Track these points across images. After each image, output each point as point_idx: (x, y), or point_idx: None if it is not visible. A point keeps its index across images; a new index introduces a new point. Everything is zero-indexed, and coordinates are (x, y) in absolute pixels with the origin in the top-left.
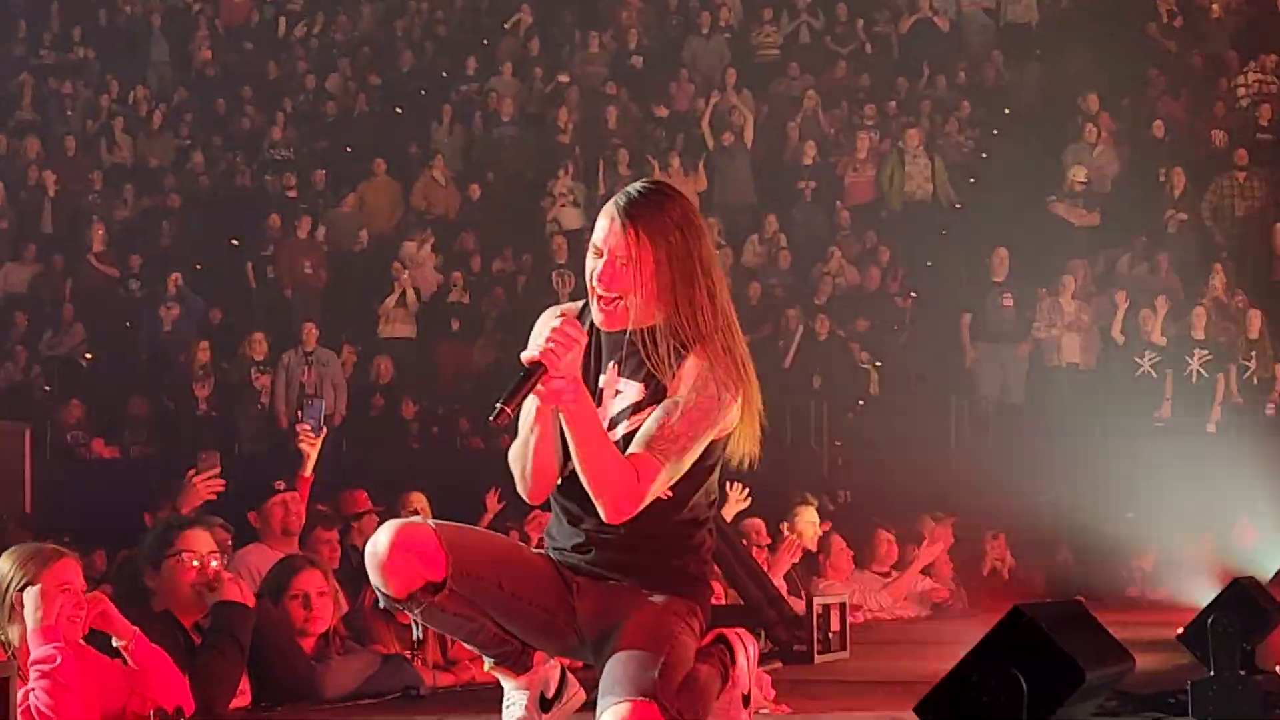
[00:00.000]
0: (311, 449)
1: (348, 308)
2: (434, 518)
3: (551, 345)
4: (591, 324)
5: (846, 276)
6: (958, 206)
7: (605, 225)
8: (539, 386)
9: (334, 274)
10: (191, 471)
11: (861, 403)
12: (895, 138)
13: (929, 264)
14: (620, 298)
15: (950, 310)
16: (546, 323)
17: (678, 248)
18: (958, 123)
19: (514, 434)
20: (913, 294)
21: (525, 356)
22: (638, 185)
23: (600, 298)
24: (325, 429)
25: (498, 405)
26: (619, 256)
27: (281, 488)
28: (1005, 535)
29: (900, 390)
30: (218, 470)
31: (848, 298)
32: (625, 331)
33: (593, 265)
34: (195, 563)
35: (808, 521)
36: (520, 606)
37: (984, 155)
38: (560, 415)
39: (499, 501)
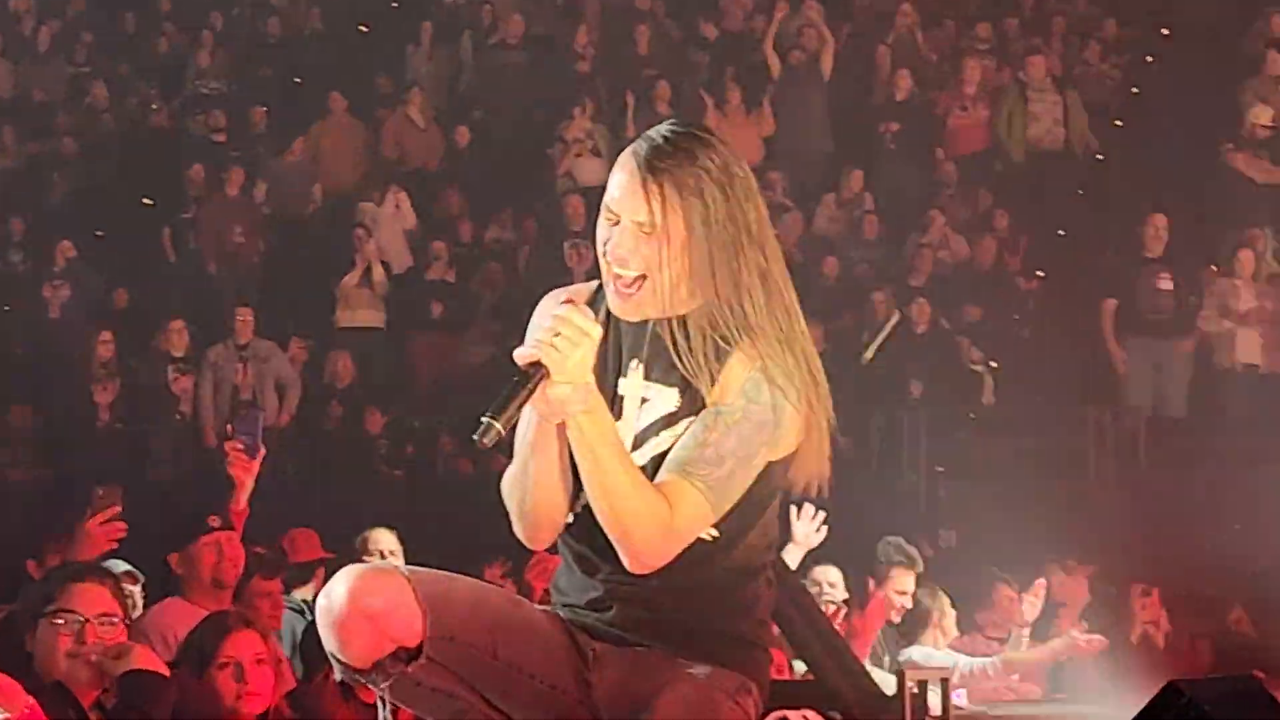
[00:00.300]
0: (246, 475)
1: (295, 288)
2: (408, 563)
3: (554, 340)
4: (608, 312)
5: (952, 249)
6: (1099, 158)
7: (621, 181)
8: (538, 395)
9: (277, 244)
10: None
11: (972, 415)
12: (1016, 66)
13: (1060, 234)
14: (643, 277)
15: (1089, 295)
16: (548, 310)
17: (717, 210)
18: (1099, 47)
19: (510, 455)
20: (1039, 273)
21: (521, 355)
22: (663, 128)
23: (617, 277)
24: (264, 448)
25: (485, 419)
26: (639, 223)
27: (216, 525)
28: (1159, 590)
29: (1022, 399)
30: (118, 510)
31: (953, 277)
32: (650, 322)
33: (606, 234)
34: (72, 628)
35: (900, 591)
36: (519, 680)
37: (1134, 90)
38: (568, 432)
39: (504, 578)
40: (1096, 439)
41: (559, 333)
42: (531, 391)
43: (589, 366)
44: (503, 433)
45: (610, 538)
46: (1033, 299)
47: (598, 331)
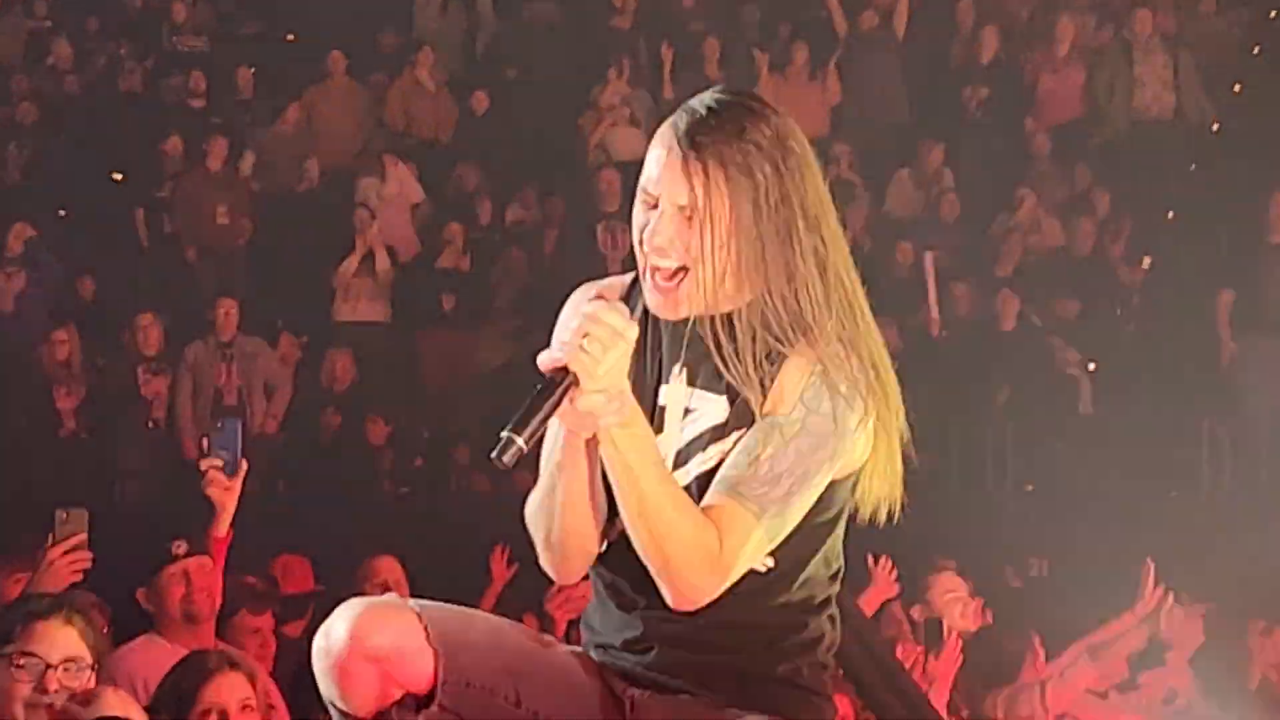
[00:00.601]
0: (227, 496)
1: (286, 276)
2: (415, 595)
3: (583, 342)
4: (646, 309)
5: (1044, 234)
6: (1215, 129)
7: (659, 159)
8: (566, 405)
9: (265, 226)
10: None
11: (1067, 425)
12: (1119, 23)
13: (1170, 215)
14: (684, 269)
15: (1203, 286)
16: (577, 308)
17: (769, 191)
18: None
19: (535, 472)
20: (1146, 261)
21: (545, 360)
22: (707, 97)
23: (655, 269)
24: (246, 463)
25: (505, 434)
26: (680, 207)
27: (181, 551)
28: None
29: (1125, 407)
30: (84, 537)
31: (1046, 266)
32: (692, 321)
33: (644, 220)
34: (32, 673)
35: (950, 590)
36: None
37: (1255, 49)
38: (601, 449)
39: (509, 564)
40: (1210, 452)
41: (588, 334)
42: (558, 402)
43: (624, 372)
44: (525, 449)
45: (650, 569)
46: (1137, 291)
47: (633, 332)
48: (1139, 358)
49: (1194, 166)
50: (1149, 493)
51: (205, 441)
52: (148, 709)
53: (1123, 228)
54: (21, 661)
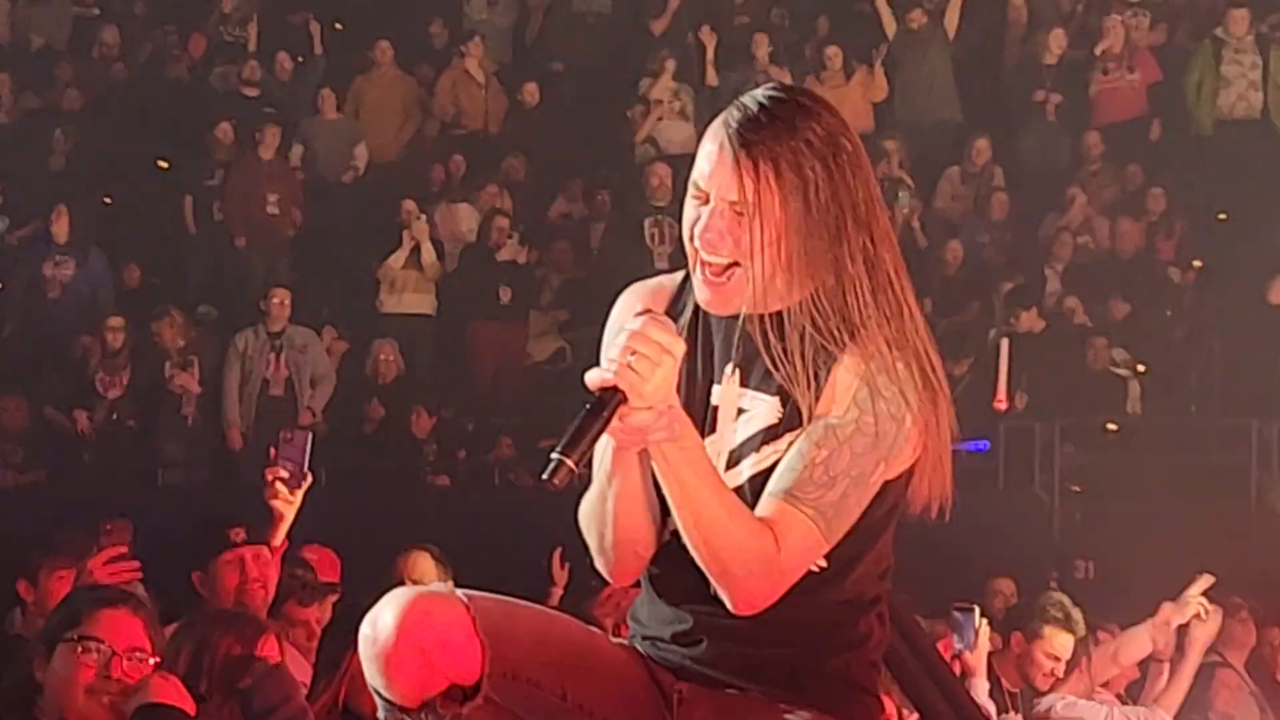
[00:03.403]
0: (288, 507)
1: (333, 267)
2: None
3: (631, 360)
4: (697, 309)
5: (1095, 234)
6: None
7: (711, 154)
8: (615, 424)
9: (313, 215)
10: (97, 553)
11: (1115, 427)
12: (1174, 24)
13: (1221, 217)
14: (735, 265)
15: (1254, 287)
16: (626, 310)
17: (821, 189)
18: None
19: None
20: (1197, 263)
21: (593, 379)
22: (760, 93)
23: (705, 265)
24: (311, 476)
25: (555, 456)
26: (731, 203)
27: (240, 538)
28: None
29: (1175, 409)
30: (125, 549)
31: (1096, 266)
32: (743, 320)
33: (694, 215)
34: (98, 659)
35: (1051, 655)
36: None
37: None
38: (653, 461)
39: (563, 565)
40: (1260, 456)
41: (635, 351)
42: (608, 421)
43: (672, 387)
44: (576, 470)
45: (709, 577)
46: (1188, 293)
47: (680, 348)
48: (1189, 360)
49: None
50: (1198, 494)
51: (273, 451)
52: (201, 694)
53: (1174, 228)
54: (86, 647)
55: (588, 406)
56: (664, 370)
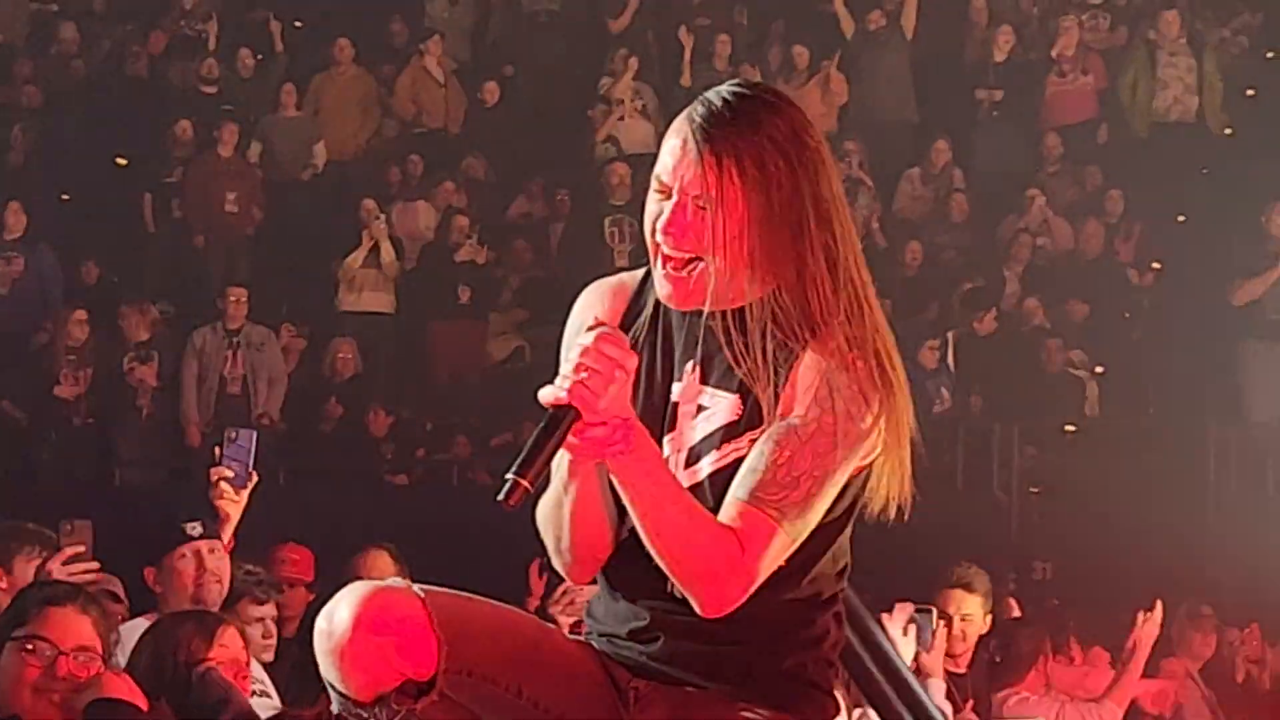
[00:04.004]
0: (234, 508)
1: (292, 264)
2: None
3: (583, 376)
4: (658, 304)
5: (1053, 236)
6: (1227, 133)
7: (674, 149)
8: (570, 440)
9: (272, 213)
10: (57, 554)
11: (1073, 428)
12: (1134, 26)
13: (1180, 219)
14: (697, 260)
15: (1212, 291)
16: (585, 318)
17: (782, 186)
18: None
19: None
20: (1155, 265)
21: (546, 396)
22: (724, 89)
23: (667, 259)
24: (256, 476)
25: (510, 477)
26: (694, 197)
27: (196, 532)
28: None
29: (1132, 411)
30: (85, 547)
31: (1054, 268)
32: (704, 317)
33: (656, 209)
34: (43, 658)
35: (966, 614)
36: None
37: (1269, 55)
38: (611, 473)
39: (541, 575)
40: (1217, 458)
41: (587, 367)
42: (562, 438)
43: (626, 401)
44: (531, 490)
45: (675, 583)
46: (1147, 295)
47: (632, 361)
48: (1146, 362)
49: (1205, 170)
50: (1155, 496)
51: (218, 451)
52: (152, 692)
53: (1133, 230)
54: (32, 646)
55: (541, 425)
56: (616, 385)
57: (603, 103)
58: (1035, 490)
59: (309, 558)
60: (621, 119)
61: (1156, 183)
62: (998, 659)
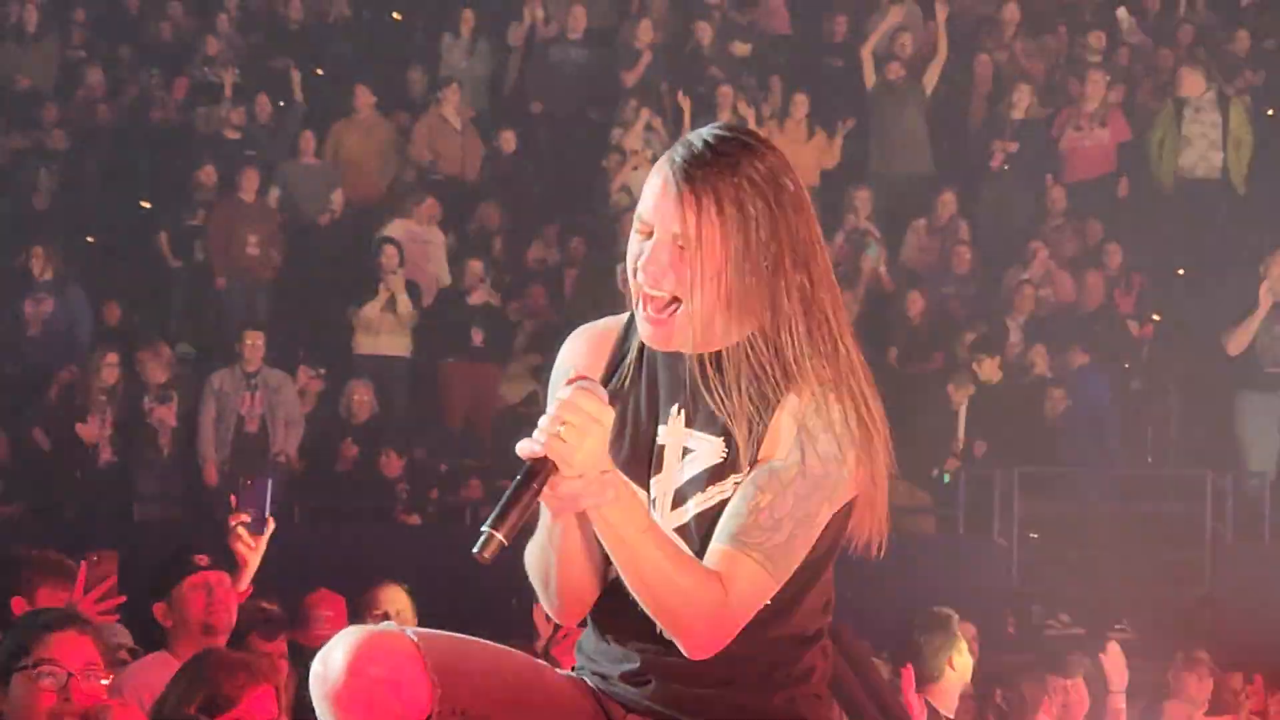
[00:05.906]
0: (252, 553)
1: (310, 308)
2: (422, 627)
3: (560, 430)
4: (643, 348)
5: (1055, 287)
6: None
7: (656, 188)
8: (547, 493)
9: (291, 257)
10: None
11: (1074, 475)
12: (1138, 82)
13: (1180, 272)
14: (676, 300)
15: (1210, 341)
16: (572, 361)
17: (760, 226)
18: (1230, 62)
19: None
20: (1155, 316)
21: (523, 450)
22: (705, 132)
23: (648, 300)
24: (273, 521)
25: (485, 530)
26: (674, 235)
27: (204, 563)
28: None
29: (1132, 459)
30: (113, 580)
31: (1056, 318)
32: (688, 360)
33: (637, 249)
34: (56, 682)
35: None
36: None
37: (1270, 112)
38: (592, 523)
39: (548, 619)
40: (1214, 507)
41: (564, 420)
42: (538, 491)
43: (603, 455)
44: (506, 543)
45: (661, 627)
46: (1146, 346)
47: (609, 416)
48: (1145, 411)
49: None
50: (1152, 543)
51: (233, 498)
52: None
53: (1133, 282)
54: (43, 671)
55: (517, 478)
56: (592, 439)
57: (616, 152)
58: (1035, 535)
59: (342, 608)
60: (635, 168)
61: (1169, 237)
62: (1004, 706)
